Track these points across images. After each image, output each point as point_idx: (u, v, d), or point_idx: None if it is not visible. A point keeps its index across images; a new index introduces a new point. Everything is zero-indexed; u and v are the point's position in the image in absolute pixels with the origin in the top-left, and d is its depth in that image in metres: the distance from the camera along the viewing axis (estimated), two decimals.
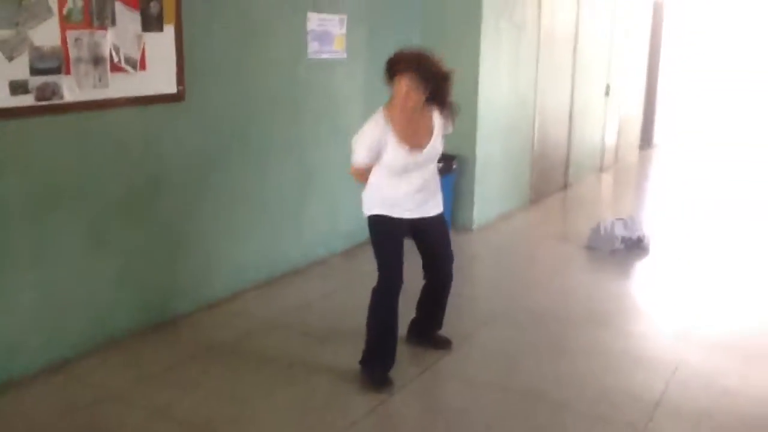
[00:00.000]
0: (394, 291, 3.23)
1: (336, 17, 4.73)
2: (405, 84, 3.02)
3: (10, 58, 2.93)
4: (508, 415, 3.00)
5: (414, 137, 3.13)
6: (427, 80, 3.04)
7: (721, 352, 3.63)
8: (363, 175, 3.24)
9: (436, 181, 3.32)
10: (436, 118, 3.20)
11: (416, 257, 3.41)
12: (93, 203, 3.39)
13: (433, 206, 3.30)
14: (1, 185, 3.01)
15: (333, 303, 4.24)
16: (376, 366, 3.25)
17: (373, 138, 3.10)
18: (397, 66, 3.05)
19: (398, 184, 3.17)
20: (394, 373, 3.25)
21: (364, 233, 5.20)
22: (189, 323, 3.86)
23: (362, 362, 3.29)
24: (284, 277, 4.57)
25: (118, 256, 3.55)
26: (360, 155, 3.15)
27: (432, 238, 3.40)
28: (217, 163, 4.03)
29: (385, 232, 3.25)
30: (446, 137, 3.31)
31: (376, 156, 3.13)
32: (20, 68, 2.97)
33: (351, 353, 3.36)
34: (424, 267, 3.48)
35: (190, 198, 3.90)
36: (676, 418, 2.98)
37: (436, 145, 3.20)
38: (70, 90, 3.17)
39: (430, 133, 3.17)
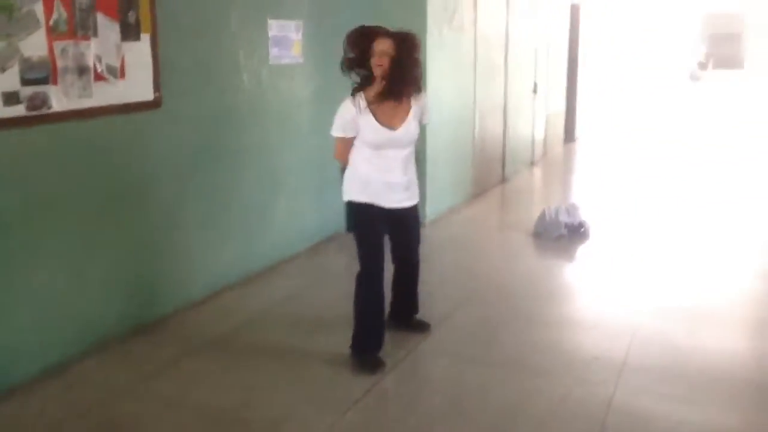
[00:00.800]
0: (377, 276, 3.43)
1: (293, 23, 4.92)
2: (381, 46, 3.26)
3: (3, 69, 2.99)
4: (496, 383, 3.28)
5: (389, 116, 3.33)
6: (403, 53, 3.26)
7: (669, 317, 4.05)
8: (344, 154, 3.44)
9: (413, 170, 3.52)
10: (413, 103, 3.40)
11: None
12: (80, 209, 3.45)
13: (409, 197, 3.52)
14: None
15: (311, 296, 4.42)
16: (367, 349, 3.46)
17: (346, 116, 3.33)
18: (373, 33, 3.32)
19: (377, 164, 3.36)
20: (384, 356, 3.47)
21: (326, 230, 5.52)
22: (177, 322, 3.96)
23: (353, 347, 3.49)
24: (258, 275, 4.71)
25: (106, 259, 3.62)
26: (336, 130, 3.40)
27: (405, 227, 3.61)
28: (192, 167, 4.14)
29: (366, 220, 3.45)
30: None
31: (352, 131, 3.34)
32: (11, 79, 3.03)
33: (340, 340, 3.56)
34: (393, 253, 3.66)
35: (169, 202, 4.00)
36: (641, 374, 3.34)
37: (410, 128, 3.39)
38: (58, 99, 3.24)
39: (407, 114, 3.37)
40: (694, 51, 20.22)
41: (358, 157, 3.41)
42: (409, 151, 3.47)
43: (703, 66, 21.19)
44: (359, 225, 3.51)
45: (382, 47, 3.26)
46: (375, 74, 3.31)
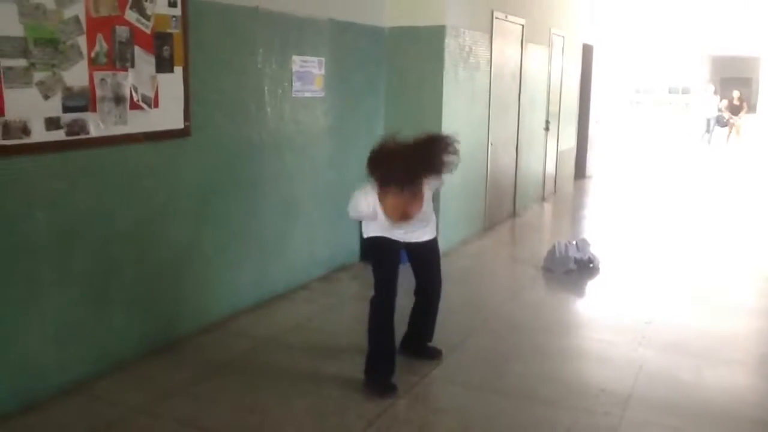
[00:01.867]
0: (389, 303, 3.57)
1: (316, 59, 5.12)
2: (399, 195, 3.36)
3: (46, 97, 3.18)
4: (504, 412, 3.38)
5: (404, 209, 3.47)
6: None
7: (676, 352, 4.14)
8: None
9: (429, 212, 3.67)
10: (425, 185, 3.50)
11: (410, 277, 3.79)
12: (107, 233, 3.61)
13: (425, 233, 3.69)
14: (31, 217, 3.22)
15: (324, 322, 4.55)
16: (380, 373, 3.57)
17: (361, 211, 3.54)
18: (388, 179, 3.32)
19: (392, 231, 3.58)
20: (397, 381, 3.58)
21: (340, 259, 5.67)
22: (192, 345, 4.08)
23: (366, 371, 3.60)
24: (273, 301, 4.84)
25: (128, 281, 3.77)
26: (352, 214, 3.60)
27: (423, 260, 3.78)
28: (213, 194, 4.30)
29: (382, 251, 3.62)
30: None
31: (372, 213, 3.50)
32: (54, 106, 3.22)
33: (352, 365, 3.69)
34: (417, 286, 3.84)
35: (191, 227, 4.16)
36: (646, 407, 3.43)
37: (425, 209, 3.55)
38: (96, 126, 3.43)
39: (422, 198, 3.52)
40: (708, 94, 18.88)
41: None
42: (426, 207, 3.60)
43: (734, 109, 18.94)
44: (375, 255, 3.66)
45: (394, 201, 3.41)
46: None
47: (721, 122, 18.31)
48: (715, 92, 19.08)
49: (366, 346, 3.60)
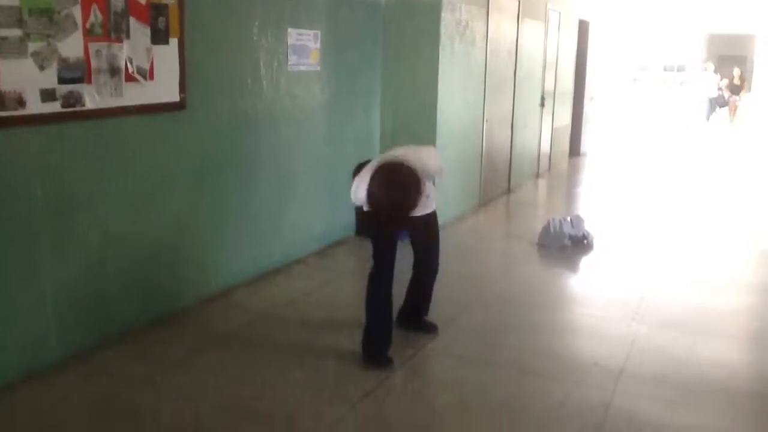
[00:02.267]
0: (387, 277, 3.58)
1: (311, 32, 5.08)
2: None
3: (42, 68, 3.15)
4: (498, 384, 3.43)
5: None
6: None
7: (668, 327, 4.19)
8: None
9: (428, 187, 3.62)
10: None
11: (408, 252, 3.81)
12: (106, 205, 3.61)
13: (425, 207, 3.65)
14: (28, 190, 3.20)
15: (320, 296, 4.57)
16: (377, 345, 3.60)
17: (362, 195, 3.36)
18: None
19: None
20: (393, 354, 3.61)
21: (337, 233, 5.68)
22: (191, 317, 4.11)
23: (363, 344, 3.63)
24: (270, 274, 4.86)
25: (127, 253, 3.77)
26: (354, 201, 3.50)
27: (422, 234, 3.79)
28: (210, 168, 4.29)
29: (379, 224, 3.60)
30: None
31: None
32: (50, 77, 3.19)
33: (349, 339, 3.72)
34: (414, 260, 3.86)
35: (188, 200, 4.15)
36: (639, 381, 3.48)
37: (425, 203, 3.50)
38: (91, 98, 3.40)
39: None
40: (708, 73, 17.75)
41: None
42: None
43: (735, 89, 17.60)
44: (373, 226, 3.64)
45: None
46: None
47: (721, 102, 17.38)
48: (716, 70, 17.95)
49: (363, 319, 3.63)
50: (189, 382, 3.33)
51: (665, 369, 3.62)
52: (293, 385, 3.33)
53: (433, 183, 3.78)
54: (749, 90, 17.89)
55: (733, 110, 17.42)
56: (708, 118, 17.25)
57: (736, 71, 17.73)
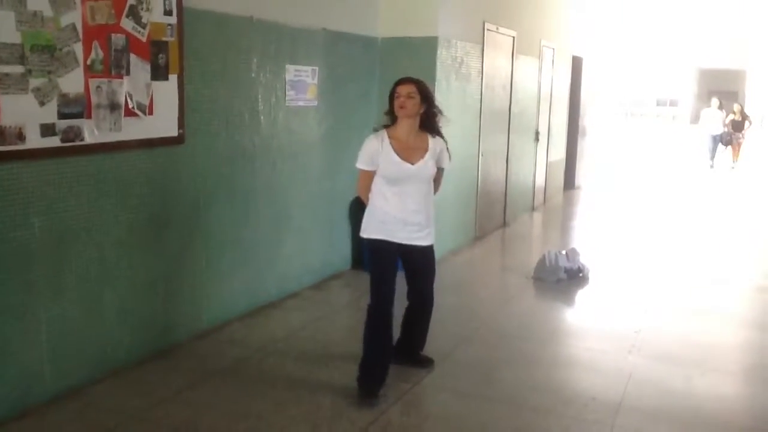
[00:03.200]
0: (386, 311, 3.59)
1: (309, 68, 5.16)
2: (404, 90, 3.52)
3: (42, 104, 3.19)
4: (495, 419, 3.40)
5: (408, 153, 3.55)
6: (422, 96, 3.54)
7: (665, 361, 4.18)
8: (365, 189, 3.62)
9: (431, 211, 3.69)
10: (431, 142, 3.63)
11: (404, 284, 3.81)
12: (102, 240, 3.62)
13: (424, 236, 3.68)
14: (26, 223, 3.22)
15: (316, 330, 4.55)
16: (374, 382, 3.57)
17: (369, 149, 3.55)
18: (400, 81, 3.57)
19: (395, 201, 3.54)
20: (389, 388, 3.59)
21: (333, 267, 5.68)
22: (185, 352, 4.09)
23: (359, 379, 3.60)
24: (264, 309, 4.85)
25: (122, 288, 3.77)
26: (360, 162, 3.60)
27: (419, 265, 3.79)
28: (207, 202, 4.31)
29: (380, 256, 3.60)
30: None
31: (373, 165, 3.54)
32: (50, 113, 3.23)
33: (344, 374, 3.71)
34: (408, 292, 3.86)
35: (184, 234, 4.17)
36: (637, 415, 3.47)
37: (428, 164, 3.60)
38: (91, 133, 3.44)
39: (424, 152, 3.60)
40: (713, 109, 15.65)
41: (376, 194, 3.60)
42: (426, 190, 3.65)
43: (737, 126, 15.39)
44: (373, 260, 3.65)
45: (405, 90, 3.52)
46: (397, 115, 3.54)
47: (726, 140, 15.46)
48: (721, 107, 15.89)
49: (359, 353, 3.62)
50: (184, 417, 3.31)
51: (662, 403, 3.61)
52: (289, 421, 3.30)
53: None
54: (751, 125, 15.92)
55: (737, 149, 15.64)
56: (712, 159, 15.43)
57: (737, 107, 16.13)
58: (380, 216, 3.58)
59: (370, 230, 3.62)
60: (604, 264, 6.42)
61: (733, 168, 15.08)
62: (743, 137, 15.58)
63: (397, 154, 3.53)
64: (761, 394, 3.82)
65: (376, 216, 3.59)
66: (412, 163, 3.55)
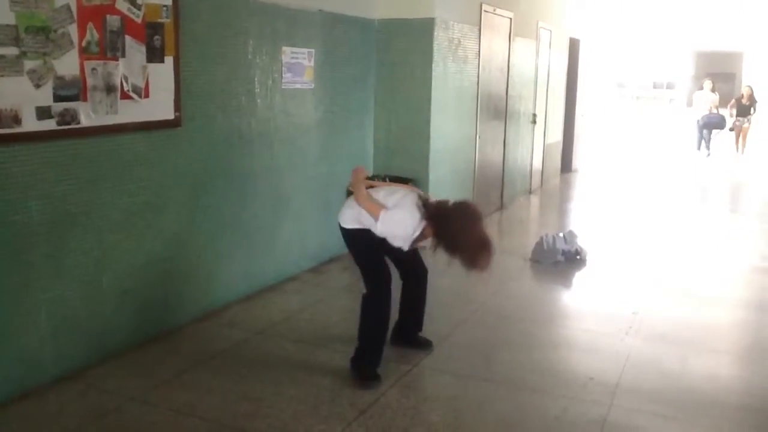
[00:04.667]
0: (386, 294, 3.58)
1: (306, 50, 5.12)
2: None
3: (37, 86, 3.16)
4: (494, 400, 3.42)
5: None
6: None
7: (662, 342, 4.20)
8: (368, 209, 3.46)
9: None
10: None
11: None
12: (101, 223, 3.61)
13: None
14: (24, 207, 3.20)
15: (314, 313, 4.56)
16: (367, 364, 3.59)
17: (412, 223, 3.36)
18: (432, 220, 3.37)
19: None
20: (388, 371, 3.61)
21: (330, 250, 5.68)
22: (185, 334, 4.09)
23: (356, 362, 3.61)
24: (264, 292, 4.85)
25: (122, 271, 3.76)
26: (408, 228, 3.36)
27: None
28: (204, 185, 4.30)
29: (367, 244, 3.57)
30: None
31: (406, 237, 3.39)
32: (45, 95, 3.20)
33: (343, 356, 3.71)
34: (401, 272, 3.85)
35: (182, 217, 4.15)
36: (634, 396, 3.49)
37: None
38: (87, 115, 3.41)
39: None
40: (705, 92, 14.50)
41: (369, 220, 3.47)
42: None
43: (743, 110, 13.88)
44: (361, 248, 3.62)
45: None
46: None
47: (715, 125, 14.17)
48: (714, 89, 14.85)
49: (357, 336, 3.62)
50: (184, 399, 3.32)
51: (659, 383, 3.63)
52: (288, 403, 3.31)
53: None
54: (755, 111, 14.16)
55: (743, 136, 14.09)
56: (699, 148, 14.31)
57: (746, 89, 14.44)
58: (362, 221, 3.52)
59: (351, 222, 3.57)
60: (602, 246, 6.43)
61: (736, 157, 13.94)
62: (749, 123, 14.09)
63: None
64: (758, 374, 3.84)
65: (359, 217, 3.53)
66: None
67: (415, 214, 3.37)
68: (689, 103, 19.05)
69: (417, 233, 3.38)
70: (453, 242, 3.30)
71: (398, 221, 3.38)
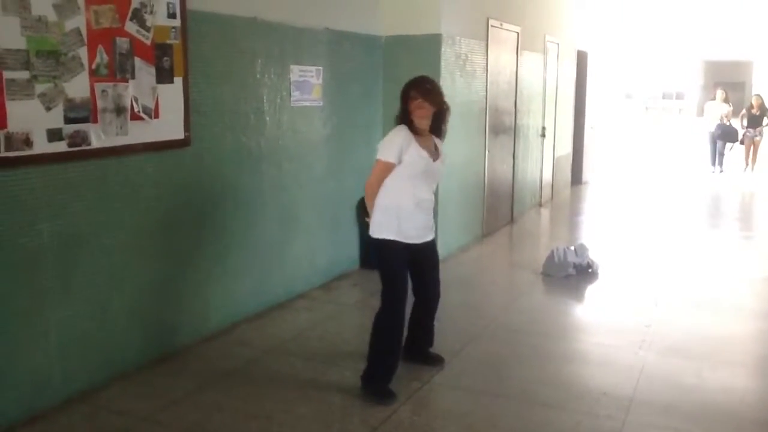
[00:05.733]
0: (400, 311, 3.57)
1: (314, 68, 5.16)
2: (419, 100, 3.53)
3: (48, 109, 3.20)
4: (507, 416, 3.40)
5: (428, 150, 3.56)
6: (434, 104, 3.55)
7: (676, 355, 4.16)
8: (377, 185, 3.54)
9: (432, 206, 3.70)
10: (438, 143, 3.68)
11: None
12: (110, 243, 3.62)
13: (430, 231, 3.71)
14: (34, 228, 3.23)
15: (324, 331, 4.55)
16: (380, 381, 3.57)
17: (400, 141, 3.49)
18: (414, 85, 3.59)
19: (411, 192, 3.52)
20: (399, 387, 3.59)
21: (340, 267, 5.68)
22: (194, 354, 4.09)
23: (367, 379, 3.60)
24: (272, 310, 4.85)
25: (130, 291, 3.78)
26: (385, 154, 3.51)
27: (426, 260, 3.78)
28: (213, 204, 4.32)
29: (393, 257, 3.57)
30: None
31: (399, 157, 3.48)
32: (56, 118, 3.24)
33: (354, 373, 3.71)
34: (414, 288, 3.84)
35: (191, 236, 4.17)
36: (648, 410, 3.45)
37: (445, 162, 3.69)
38: (97, 137, 3.45)
39: (438, 151, 3.64)
40: (717, 102, 13.22)
41: (391, 191, 3.54)
42: (434, 187, 3.71)
43: (754, 120, 12.82)
44: (385, 260, 3.61)
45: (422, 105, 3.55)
46: (416, 124, 3.55)
47: (730, 136, 13.07)
48: (726, 99, 13.46)
49: (368, 353, 3.61)
50: (194, 418, 3.31)
51: (674, 397, 3.59)
52: (299, 421, 3.30)
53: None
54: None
55: (754, 150, 13.15)
56: (720, 164, 13.19)
57: (756, 99, 13.46)
58: (395, 213, 3.54)
59: (382, 230, 3.58)
60: (613, 259, 6.39)
61: (746, 172, 13.07)
62: (760, 135, 13.03)
63: (422, 148, 3.54)
64: None
65: (391, 214, 3.55)
66: (434, 158, 3.58)
67: (398, 131, 3.54)
68: (699, 113, 18.78)
69: (405, 140, 3.50)
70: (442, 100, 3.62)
71: (386, 140, 3.58)
